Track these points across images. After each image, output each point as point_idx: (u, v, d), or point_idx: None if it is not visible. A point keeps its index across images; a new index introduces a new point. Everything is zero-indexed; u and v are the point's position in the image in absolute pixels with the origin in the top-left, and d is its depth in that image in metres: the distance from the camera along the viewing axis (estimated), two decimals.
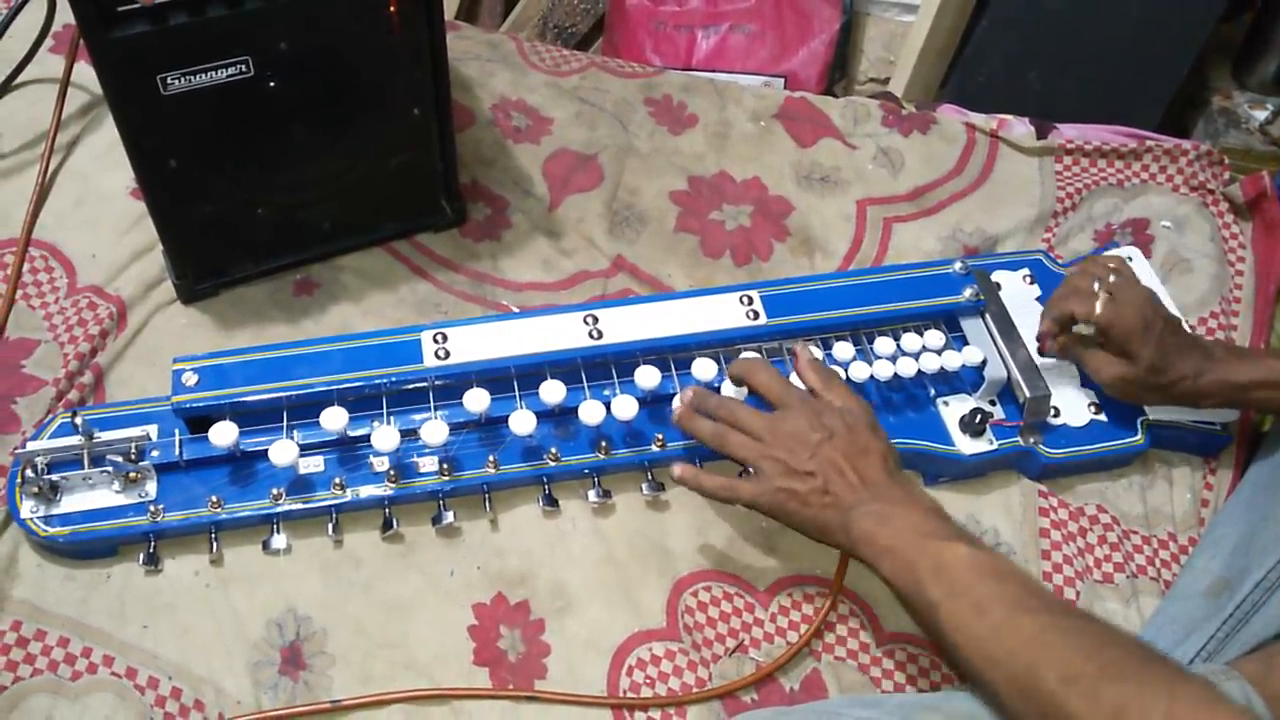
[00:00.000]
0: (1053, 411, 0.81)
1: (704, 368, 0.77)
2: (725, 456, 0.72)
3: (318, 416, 0.73)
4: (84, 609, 0.70)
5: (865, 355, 0.81)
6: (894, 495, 0.66)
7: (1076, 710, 0.51)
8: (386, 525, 0.74)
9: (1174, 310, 0.84)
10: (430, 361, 0.75)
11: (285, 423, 0.74)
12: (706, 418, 0.73)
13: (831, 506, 0.67)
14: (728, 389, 0.77)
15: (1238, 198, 1.00)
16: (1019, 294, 0.88)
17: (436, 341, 0.76)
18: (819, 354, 0.79)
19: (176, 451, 0.73)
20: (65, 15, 0.90)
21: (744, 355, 0.78)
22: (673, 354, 0.79)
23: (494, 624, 0.72)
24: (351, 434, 0.74)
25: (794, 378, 0.75)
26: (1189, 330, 0.80)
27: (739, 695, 0.71)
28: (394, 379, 0.75)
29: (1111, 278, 0.76)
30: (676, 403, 0.75)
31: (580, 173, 1.00)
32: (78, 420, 0.71)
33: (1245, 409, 0.80)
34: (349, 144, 0.83)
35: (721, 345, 0.80)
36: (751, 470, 0.70)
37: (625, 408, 0.75)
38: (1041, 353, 0.82)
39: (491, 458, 0.75)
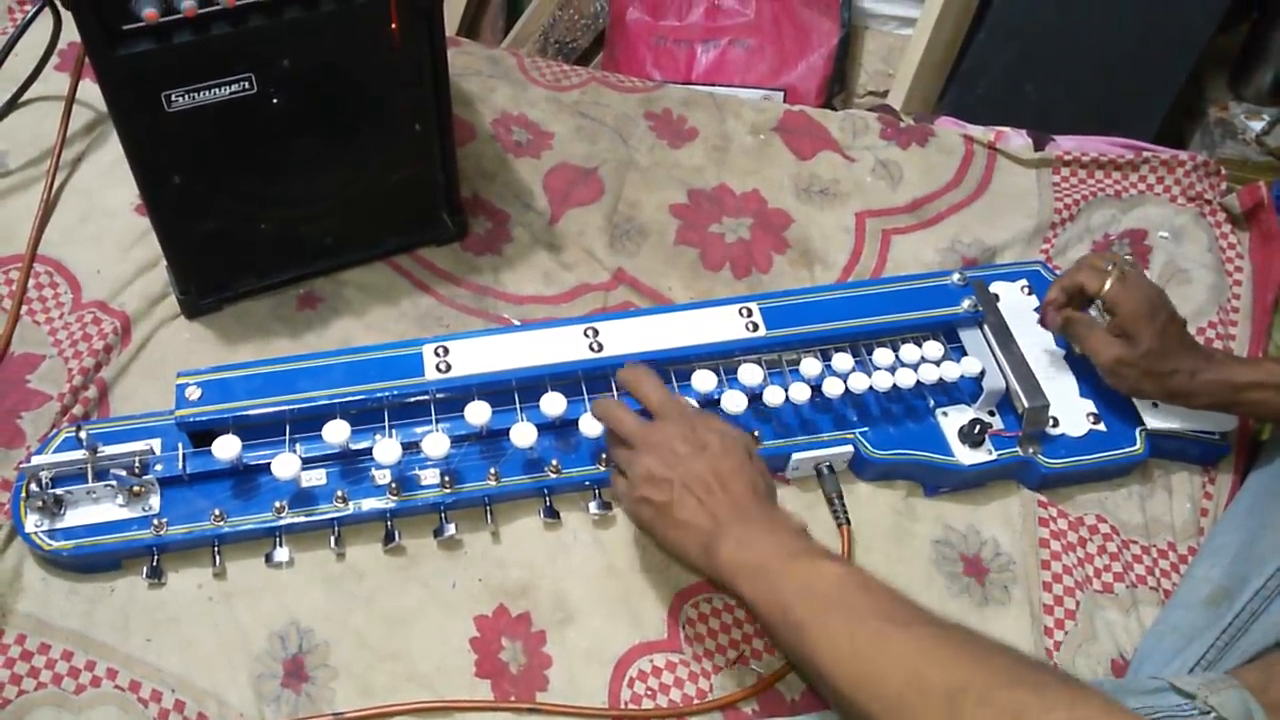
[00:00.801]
0: (1052, 422, 0.81)
1: (704, 379, 0.78)
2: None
3: (320, 430, 0.73)
4: (88, 622, 0.70)
5: (864, 366, 0.81)
6: (758, 517, 0.63)
7: None
8: (388, 538, 0.74)
9: None
10: (432, 374, 0.76)
11: (288, 436, 0.75)
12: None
13: (685, 524, 0.64)
14: (728, 401, 0.77)
15: (1235, 208, 1.00)
16: (1017, 305, 0.88)
17: (438, 355, 0.77)
18: (818, 366, 0.79)
19: (180, 465, 0.73)
20: (70, 33, 0.91)
21: (631, 364, 0.75)
22: (673, 366, 0.80)
23: (496, 636, 0.72)
24: (354, 447, 0.75)
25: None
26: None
27: (740, 706, 0.71)
28: (396, 392, 0.75)
29: (1124, 265, 0.78)
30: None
31: (581, 186, 1.00)
32: (82, 434, 0.71)
33: (1237, 411, 0.80)
34: (351, 159, 0.84)
35: (721, 357, 0.80)
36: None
37: None
38: (1042, 323, 0.82)
39: (493, 470, 0.76)
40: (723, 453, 0.66)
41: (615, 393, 0.78)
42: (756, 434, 0.79)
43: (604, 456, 0.77)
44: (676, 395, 0.73)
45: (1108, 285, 0.77)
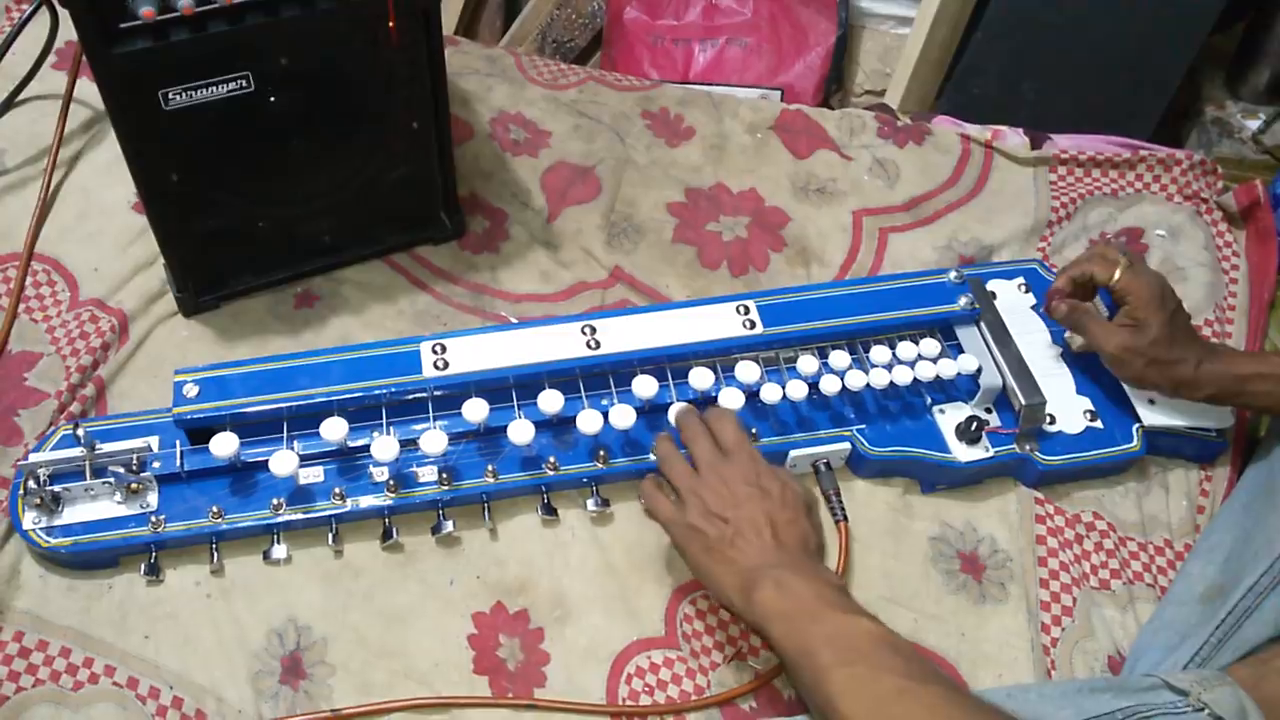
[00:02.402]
0: (1049, 419, 0.82)
1: (701, 377, 0.78)
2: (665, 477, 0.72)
3: (318, 427, 0.73)
4: (86, 619, 0.70)
5: (861, 364, 0.81)
6: (801, 566, 0.65)
7: None
8: (386, 535, 0.74)
9: None
10: (429, 372, 0.76)
11: (285, 433, 0.75)
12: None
13: (731, 562, 0.66)
14: (725, 399, 0.77)
15: (1231, 206, 1.01)
16: (1014, 302, 0.88)
17: (435, 352, 0.77)
18: (815, 364, 0.79)
19: (178, 462, 0.73)
20: (68, 32, 0.91)
21: (720, 408, 0.76)
22: (670, 364, 0.80)
23: (493, 633, 0.72)
24: (351, 444, 0.75)
25: None
26: None
27: (737, 703, 0.71)
28: (393, 389, 0.75)
29: (1134, 259, 0.78)
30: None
31: (578, 185, 1.01)
32: (80, 432, 0.71)
33: (1240, 403, 0.80)
34: (349, 158, 0.84)
35: (719, 354, 0.80)
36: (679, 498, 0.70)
37: (623, 417, 0.75)
38: (1047, 310, 0.82)
39: (490, 467, 0.76)
40: (782, 503, 0.68)
41: (618, 397, 0.78)
42: (755, 432, 0.79)
43: (649, 475, 0.76)
44: (744, 436, 0.73)
45: (1117, 275, 0.77)
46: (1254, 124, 1.34)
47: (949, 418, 0.81)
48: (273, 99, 0.76)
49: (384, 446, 0.72)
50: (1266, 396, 0.76)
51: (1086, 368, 0.84)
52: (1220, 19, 1.28)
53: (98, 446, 0.72)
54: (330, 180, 0.84)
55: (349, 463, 0.76)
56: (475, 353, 0.77)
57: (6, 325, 0.83)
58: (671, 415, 0.76)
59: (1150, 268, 0.79)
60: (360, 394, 0.75)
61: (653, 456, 0.75)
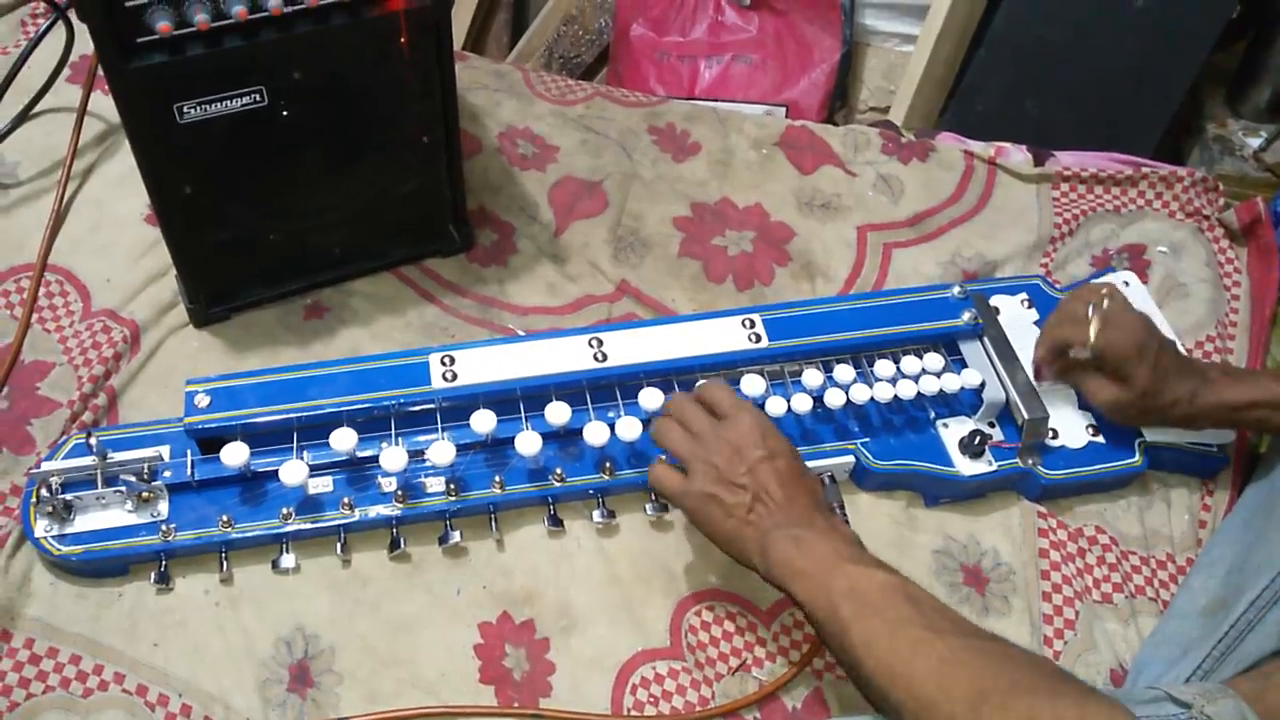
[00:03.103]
0: (1051, 433, 0.82)
1: None
2: (664, 450, 0.72)
3: (327, 437, 0.74)
4: (96, 627, 0.71)
5: (865, 378, 0.82)
6: (815, 522, 0.66)
7: None
8: (394, 545, 0.75)
9: (1169, 334, 0.85)
10: (438, 383, 0.77)
11: (295, 443, 0.76)
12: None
13: (753, 525, 0.67)
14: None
15: (1233, 223, 1.01)
16: (1017, 318, 0.89)
17: (444, 364, 0.78)
18: (819, 377, 0.80)
19: (188, 472, 0.74)
20: (82, 46, 0.93)
21: (708, 381, 0.76)
22: (676, 376, 0.81)
23: (500, 642, 0.73)
24: (360, 454, 0.76)
25: None
26: (1184, 352, 0.81)
27: (742, 714, 0.71)
28: (402, 400, 0.76)
29: (1105, 303, 0.77)
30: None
31: (585, 199, 1.02)
32: (92, 441, 0.72)
33: (1237, 428, 0.81)
34: (360, 171, 0.85)
35: (725, 368, 0.81)
36: (685, 468, 0.70)
37: (629, 429, 0.76)
38: (1038, 380, 0.83)
39: (497, 478, 0.76)
40: (789, 460, 0.69)
41: (624, 409, 0.79)
42: None
43: (653, 462, 0.74)
44: (740, 399, 0.73)
45: (1092, 335, 0.76)
46: (1255, 141, 1.34)
47: (952, 432, 0.82)
48: (285, 113, 0.77)
49: (392, 457, 0.73)
50: (1261, 423, 0.77)
51: None
52: (1222, 37, 1.29)
53: (109, 455, 0.73)
54: (341, 193, 0.85)
55: (358, 473, 0.77)
56: (483, 365, 0.78)
57: (20, 335, 0.84)
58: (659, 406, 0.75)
59: (1126, 308, 0.77)
60: (369, 405, 0.76)
61: (652, 437, 0.73)
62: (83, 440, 0.74)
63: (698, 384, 0.76)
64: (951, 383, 0.82)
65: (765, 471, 0.68)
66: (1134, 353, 0.75)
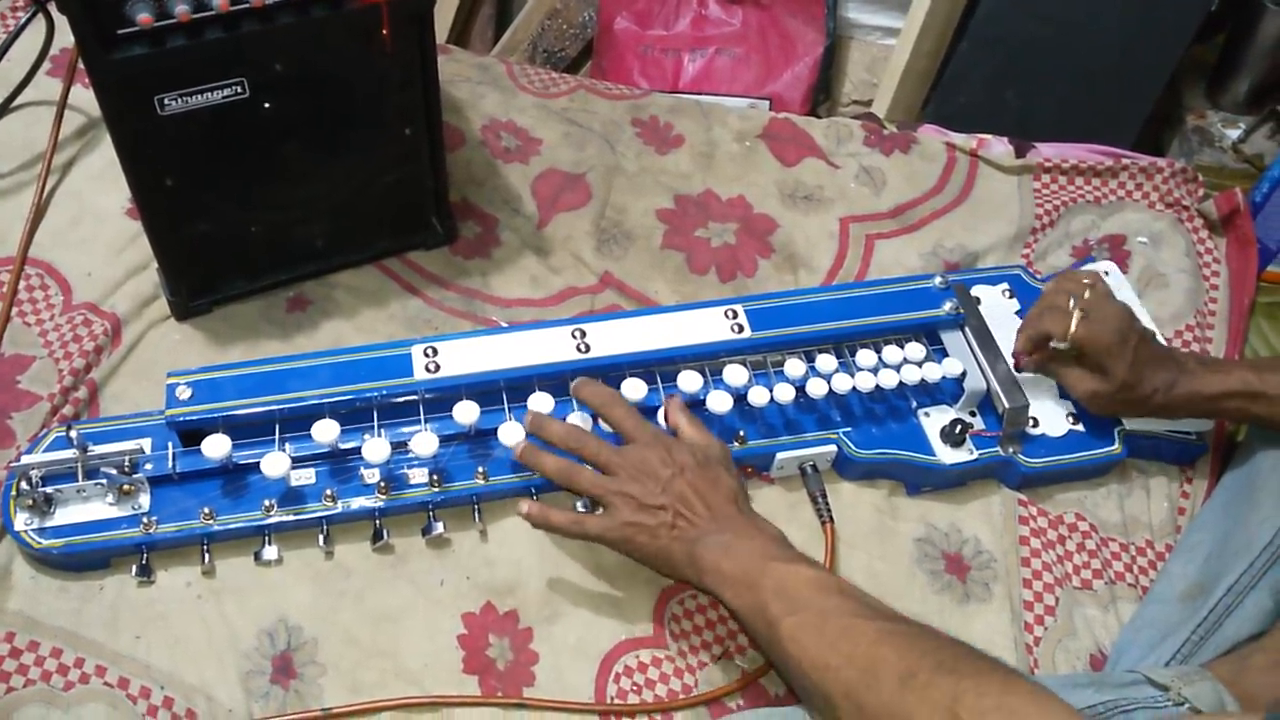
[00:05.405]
0: (1031, 422, 0.83)
1: (690, 380, 0.79)
2: (571, 491, 0.72)
3: (309, 429, 0.74)
4: (77, 620, 0.71)
5: (848, 367, 0.82)
6: (739, 526, 0.67)
7: (912, 706, 0.52)
8: (377, 536, 0.75)
9: (1149, 324, 0.86)
10: (420, 375, 0.77)
11: (277, 435, 0.76)
12: (549, 449, 0.72)
13: (678, 539, 0.67)
14: (713, 402, 0.78)
15: (1212, 214, 1.02)
16: (998, 308, 0.89)
17: (427, 355, 0.78)
18: (802, 367, 0.80)
19: (170, 464, 0.74)
20: (62, 39, 0.92)
21: (583, 380, 0.76)
22: (659, 367, 0.81)
23: (483, 633, 0.73)
24: (343, 446, 0.75)
25: (661, 418, 0.77)
26: (1163, 343, 0.82)
27: (724, 701, 0.72)
28: (385, 392, 0.76)
29: (1086, 294, 0.77)
30: (509, 436, 0.74)
31: (569, 192, 1.02)
32: (72, 434, 0.72)
33: (1214, 417, 0.82)
34: (342, 163, 0.85)
35: (707, 358, 0.81)
36: (600, 505, 0.71)
37: None
38: (1018, 369, 0.83)
39: (481, 469, 0.76)
40: (701, 469, 0.70)
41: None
42: (742, 434, 0.80)
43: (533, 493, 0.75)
44: (639, 417, 0.74)
45: (1073, 327, 0.76)
46: (1234, 133, 1.35)
47: (934, 421, 0.82)
48: (267, 105, 0.77)
49: (375, 448, 0.73)
50: (1238, 412, 0.78)
51: None
52: (1201, 30, 1.30)
53: (90, 448, 0.73)
54: (323, 185, 0.85)
55: (340, 465, 0.77)
56: (466, 356, 0.78)
57: (0, 329, 0.84)
58: (517, 442, 0.74)
59: (1107, 299, 0.78)
60: (352, 396, 0.76)
61: (553, 478, 0.72)
62: (63, 433, 0.74)
63: (574, 384, 0.75)
64: (933, 372, 0.82)
65: (679, 486, 0.68)
66: (1114, 346, 0.76)
